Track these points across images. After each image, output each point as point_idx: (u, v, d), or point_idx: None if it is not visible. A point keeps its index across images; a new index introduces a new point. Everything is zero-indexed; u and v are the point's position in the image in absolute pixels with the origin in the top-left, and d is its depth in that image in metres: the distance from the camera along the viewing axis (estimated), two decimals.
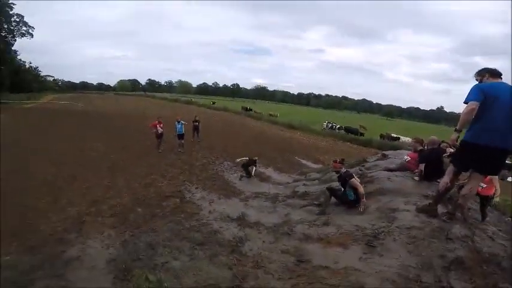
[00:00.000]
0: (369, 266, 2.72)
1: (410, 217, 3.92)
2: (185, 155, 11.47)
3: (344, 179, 5.08)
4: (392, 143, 21.86)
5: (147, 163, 9.98)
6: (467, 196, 3.46)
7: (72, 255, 4.13)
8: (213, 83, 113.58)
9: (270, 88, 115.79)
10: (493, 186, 4.84)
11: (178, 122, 11.96)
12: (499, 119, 2.84)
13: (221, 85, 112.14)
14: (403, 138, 23.86)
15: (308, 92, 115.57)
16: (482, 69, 3.19)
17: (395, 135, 26.25)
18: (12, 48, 34.76)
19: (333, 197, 5.32)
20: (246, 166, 9.46)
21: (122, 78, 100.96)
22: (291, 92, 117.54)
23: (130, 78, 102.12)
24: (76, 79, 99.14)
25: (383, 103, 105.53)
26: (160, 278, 3.03)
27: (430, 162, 5.30)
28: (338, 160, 5.44)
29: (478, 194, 5.01)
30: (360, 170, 7.81)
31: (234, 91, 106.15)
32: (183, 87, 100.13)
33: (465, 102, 2.95)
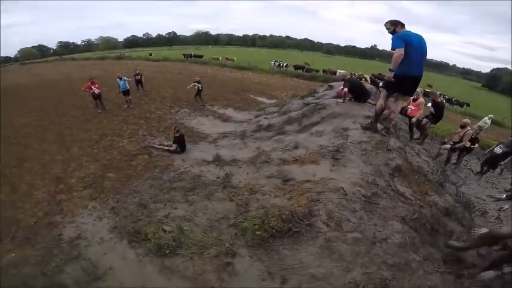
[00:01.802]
0: (339, 174, 3.52)
1: (359, 134, 4.85)
2: (136, 109, 10.79)
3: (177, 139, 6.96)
4: (333, 77, 23.53)
5: (98, 125, 9.21)
6: (395, 111, 4.68)
7: (72, 235, 4.10)
8: (143, 34, 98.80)
9: (213, 32, 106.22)
10: (419, 109, 6.38)
11: (120, 78, 10.95)
12: (415, 56, 3.91)
13: (154, 35, 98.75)
14: (340, 71, 25.78)
15: (253, 34, 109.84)
16: (393, 20, 4.07)
17: (334, 69, 28.11)
18: None
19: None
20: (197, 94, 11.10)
21: (25, 46, 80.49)
22: (236, 35, 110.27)
23: (35, 45, 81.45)
24: None
25: (323, 42, 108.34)
26: (177, 224, 3.43)
27: (354, 89, 6.83)
28: (175, 129, 7.18)
29: (407, 115, 6.60)
30: (311, 99, 8.67)
31: (171, 39, 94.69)
32: (107, 44, 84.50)
33: (393, 49, 3.87)
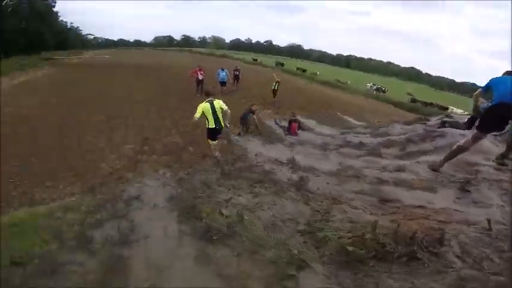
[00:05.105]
0: (469, 208, 2.48)
1: (495, 172, 3.65)
2: (227, 102, 11.36)
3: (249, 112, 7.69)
4: (441, 112, 19.95)
5: (192, 106, 9.97)
6: None
7: (132, 194, 4.08)
8: (246, 39, 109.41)
9: (305, 47, 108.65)
10: None
11: (223, 69, 12.14)
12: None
13: (254, 41, 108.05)
14: (454, 109, 21.70)
15: (348, 54, 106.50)
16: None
17: (445, 106, 24.21)
18: (54, 10, 35.23)
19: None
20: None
21: (158, 35, 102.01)
22: (329, 52, 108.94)
23: (166, 35, 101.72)
24: (114, 37, 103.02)
25: (433, 74, 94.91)
26: (239, 211, 2.96)
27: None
28: (251, 104, 8.15)
29: None
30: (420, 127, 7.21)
31: (267, 48, 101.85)
32: (217, 43, 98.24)
33: None
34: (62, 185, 4.71)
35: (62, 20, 41.79)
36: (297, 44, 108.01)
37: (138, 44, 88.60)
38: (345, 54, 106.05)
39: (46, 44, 32.00)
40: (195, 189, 4.28)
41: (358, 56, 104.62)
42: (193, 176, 4.88)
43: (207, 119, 4.86)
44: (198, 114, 4.79)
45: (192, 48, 67.35)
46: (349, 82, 30.23)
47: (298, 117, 9.10)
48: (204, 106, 4.83)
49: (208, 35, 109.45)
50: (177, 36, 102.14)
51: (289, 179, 4.62)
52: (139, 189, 4.29)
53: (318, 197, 3.20)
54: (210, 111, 4.85)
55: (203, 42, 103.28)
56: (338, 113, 13.32)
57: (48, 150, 6.10)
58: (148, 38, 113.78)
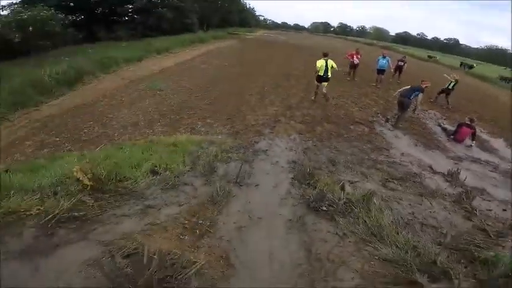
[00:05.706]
0: None
1: None
2: (381, 90, 10.14)
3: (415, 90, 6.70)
4: None
5: (340, 88, 9.62)
6: None
7: (262, 148, 4.49)
8: (417, 33, 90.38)
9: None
10: None
11: (384, 57, 10.56)
12: None
13: (429, 37, 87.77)
14: None
15: None
16: None
17: None
18: None
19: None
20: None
21: (314, 21, 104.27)
22: None
23: (322, 21, 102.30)
24: (278, 20, 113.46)
25: None
26: (369, 192, 2.62)
27: None
28: (424, 81, 7.07)
29: None
30: None
31: (449, 46, 79.66)
32: (378, 33, 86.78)
33: None
34: (217, 123, 5.86)
35: (243, 1, 50.05)
36: (500, 47, 78.43)
37: (297, 27, 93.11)
38: None
39: (232, 21, 39.16)
40: (319, 161, 4.29)
41: None
42: (321, 150, 4.89)
43: (319, 69, 7.09)
44: (318, 64, 7.10)
45: (347, 37, 63.91)
46: None
47: (475, 125, 6.77)
48: (321, 61, 7.10)
49: (368, 24, 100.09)
50: (334, 23, 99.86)
51: (439, 188, 3.71)
52: (269, 145, 4.72)
53: (487, 218, 2.34)
54: (324, 65, 7.04)
55: (361, 32, 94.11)
56: None
57: (218, 96, 7.73)
58: (306, 22, 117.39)
